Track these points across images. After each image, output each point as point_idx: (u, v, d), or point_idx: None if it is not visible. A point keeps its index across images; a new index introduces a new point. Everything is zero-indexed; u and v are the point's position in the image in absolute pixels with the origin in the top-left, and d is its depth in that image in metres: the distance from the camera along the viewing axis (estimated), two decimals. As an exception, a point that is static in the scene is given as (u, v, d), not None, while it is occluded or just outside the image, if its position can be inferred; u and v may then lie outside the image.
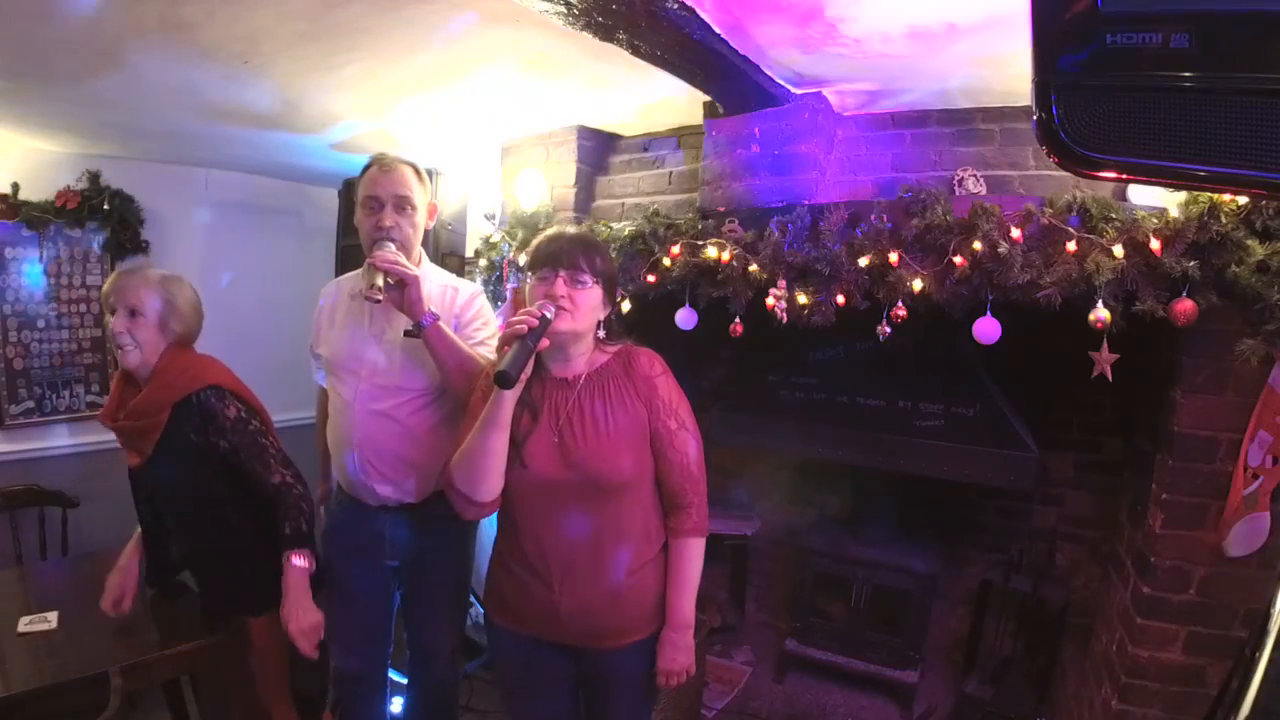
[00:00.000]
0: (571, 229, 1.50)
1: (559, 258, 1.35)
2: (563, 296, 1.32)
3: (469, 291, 1.81)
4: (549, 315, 1.29)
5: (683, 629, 1.42)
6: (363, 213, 1.71)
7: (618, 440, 1.36)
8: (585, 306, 1.36)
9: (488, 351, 1.70)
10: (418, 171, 1.73)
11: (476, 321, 1.77)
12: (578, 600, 1.38)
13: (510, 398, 1.31)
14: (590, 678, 1.50)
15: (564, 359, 1.41)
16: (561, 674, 1.50)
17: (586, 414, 1.38)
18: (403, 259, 1.59)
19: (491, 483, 1.35)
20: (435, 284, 1.76)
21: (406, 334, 1.66)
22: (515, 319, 1.27)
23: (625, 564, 1.39)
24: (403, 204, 1.69)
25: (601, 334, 1.44)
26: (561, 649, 1.45)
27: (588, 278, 1.35)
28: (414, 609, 1.89)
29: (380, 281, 1.55)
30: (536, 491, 1.38)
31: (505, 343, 1.29)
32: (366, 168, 1.73)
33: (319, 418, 2.04)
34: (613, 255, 1.90)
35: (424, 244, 1.88)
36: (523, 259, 2.38)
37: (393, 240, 1.64)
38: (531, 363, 1.29)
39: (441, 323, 1.61)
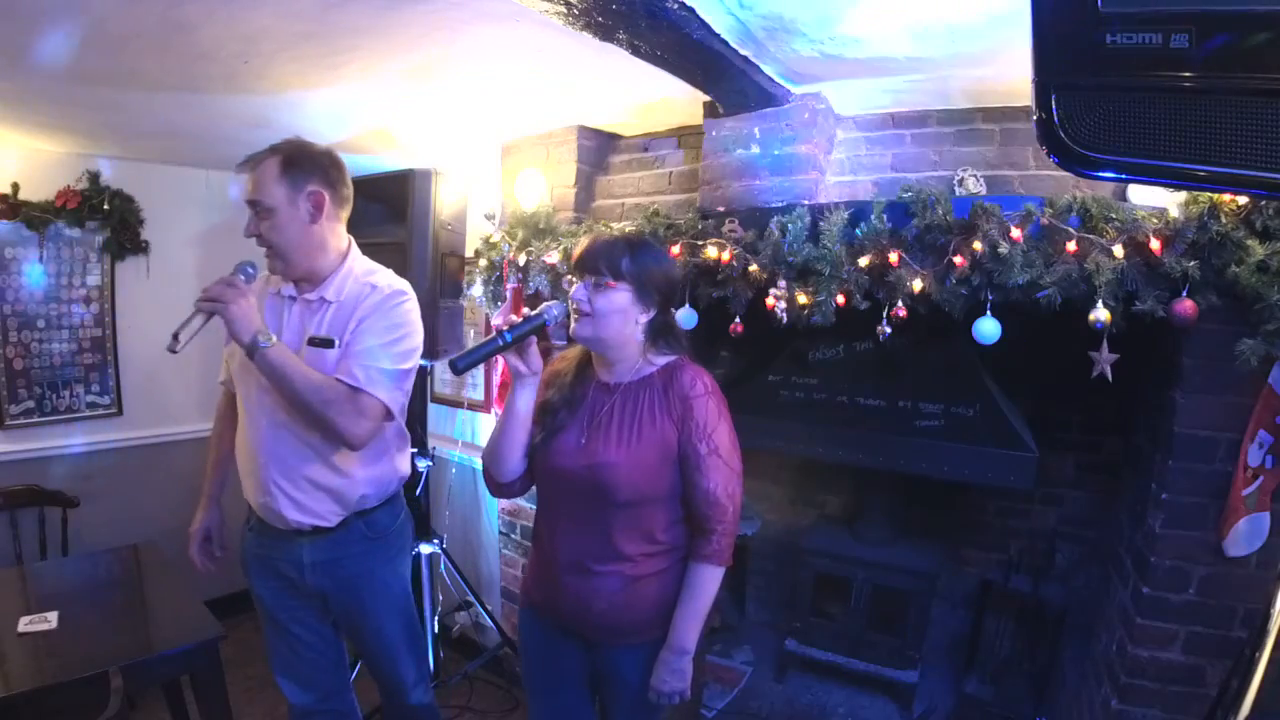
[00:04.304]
0: (617, 232, 1.49)
1: (583, 261, 1.36)
2: (582, 302, 1.34)
3: (384, 293, 1.58)
4: (544, 314, 1.32)
5: (680, 653, 1.38)
6: None
7: (635, 457, 1.36)
8: (605, 311, 1.34)
9: (358, 363, 1.51)
10: (285, 160, 1.52)
11: (368, 328, 1.54)
12: (577, 596, 1.41)
13: (521, 390, 1.37)
14: (597, 670, 1.52)
15: (606, 365, 1.43)
16: (575, 663, 1.52)
17: (615, 423, 1.38)
18: (223, 288, 1.42)
19: (509, 465, 1.44)
20: (358, 283, 1.60)
21: (311, 342, 1.55)
22: (508, 318, 1.32)
23: (627, 573, 1.39)
24: (255, 209, 1.52)
25: (640, 337, 1.40)
26: (574, 636, 1.48)
27: (608, 281, 1.33)
28: (363, 645, 1.76)
29: (182, 328, 1.38)
30: (556, 485, 1.43)
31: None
32: None
33: (215, 428, 1.85)
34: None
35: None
36: (523, 259, 2.39)
37: (265, 249, 1.53)
38: (533, 358, 1.34)
39: (277, 350, 1.44)
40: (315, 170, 1.56)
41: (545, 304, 1.35)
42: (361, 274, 1.63)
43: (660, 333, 1.42)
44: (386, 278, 1.65)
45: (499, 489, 1.50)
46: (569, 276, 1.44)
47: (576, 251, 1.41)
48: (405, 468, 1.78)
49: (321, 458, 1.58)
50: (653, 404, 1.38)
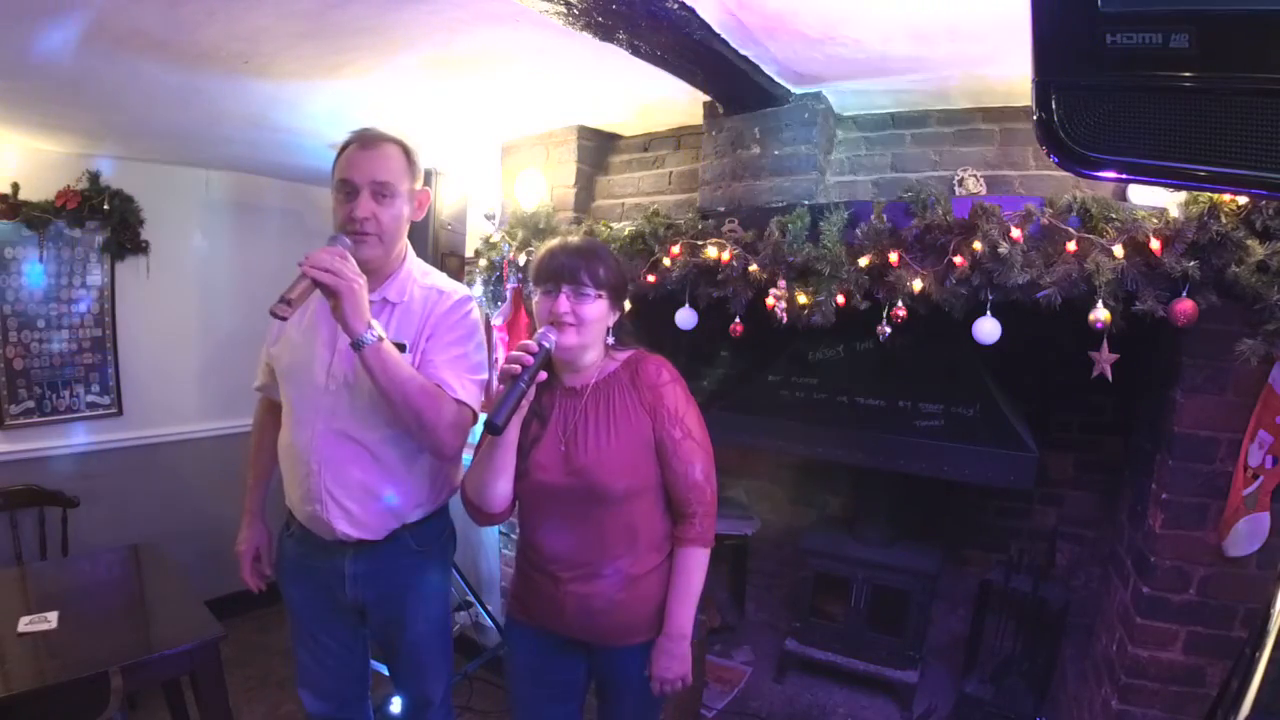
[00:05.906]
0: (575, 238, 1.45)
1: (561, 272, 1.35)
2: (567, 313, 1.33)
3: (454, 299, 1.54)
4: (548, 345, 1.30)
5: (678, 638, 1.40)
6: (336, 199, 1.45)
7: (619, 451, 1.38)
8: (591, 320, 1.36)
9: (452, 373, 1.48)
10: (407, 152, 1.50)
11: (448, 336, 1.50)
12: (582, 600, 1.41)
13: (515, 419, 1.33)
14: (599, 675, 1.53)
15: (574, 370, 1.43)
16: (572, 672, 1.52)
17: (591, 424, 1.39)
18: (342, 263, 1.31)
19: (500, 495, 1.40)
20: (420, 286, 1.55)
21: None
22: (511, 355, 1.27)
23: (628, 570, 1.40)
24: (382, 191, 1.43)
25: (610, 340, 1.45)
26: (573, 646, 1.48)
27: (591, 291, 1.35)
28: (396, 661, 1.70)
29: (294, 293, 1.26)
30: (542, 498, 1.42)
31: (501, 381, 1.28)
32: (345, 145, 1.48)
33: (254, 438, 1.77)
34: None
35: (418, 244, 1.75)
36: (523, 259, 2.39)
37: (367, 234, 1.42)
38: (530, 395, 1.30)
39: (387, 345, 1.36)
40: (421, 169, 1.57)
41: (539, 332, 1.33)
42: (419, 275, 1.57)
43: (619, 330, 1.47)
44: (449, 283, 1.61)
45: (491, 518, 1.44)
46: (540, 286, 1.38)
47: (541, 262, 1.39)
48: (460, 479, 1.73)
49: (383, 467, 1.50)
50: (624, 398, 1.40)
